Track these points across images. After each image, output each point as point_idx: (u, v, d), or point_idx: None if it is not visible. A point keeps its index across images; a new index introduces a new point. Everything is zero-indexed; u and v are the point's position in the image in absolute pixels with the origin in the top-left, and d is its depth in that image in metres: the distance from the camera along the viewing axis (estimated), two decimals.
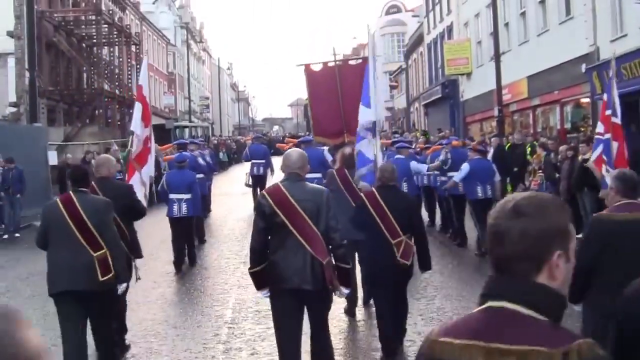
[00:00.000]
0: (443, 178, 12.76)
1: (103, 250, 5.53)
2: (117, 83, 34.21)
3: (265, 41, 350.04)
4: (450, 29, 32.34)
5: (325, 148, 13.83)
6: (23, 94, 24.06)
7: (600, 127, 9.07)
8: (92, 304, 5.54)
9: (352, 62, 15.58)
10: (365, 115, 8.01)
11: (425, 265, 6.62)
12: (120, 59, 35.14)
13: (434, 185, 13.66)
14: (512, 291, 1.57)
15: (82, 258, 5.45)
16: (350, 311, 7.78)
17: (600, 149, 8.83)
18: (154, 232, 13.36)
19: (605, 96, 8.96)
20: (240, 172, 26.61)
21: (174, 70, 54.22)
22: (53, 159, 19.96)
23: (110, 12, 33.44)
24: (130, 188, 7.18)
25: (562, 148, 13.50)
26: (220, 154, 35.05)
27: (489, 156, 17.79)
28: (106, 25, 32.48)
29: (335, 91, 12.76)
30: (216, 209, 17.97)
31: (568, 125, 19.73)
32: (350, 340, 7.20)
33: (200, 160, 14.89)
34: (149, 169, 8.09)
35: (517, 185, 16.98)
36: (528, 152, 16.71)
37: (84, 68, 32.73)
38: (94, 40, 33.32)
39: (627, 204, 4.64)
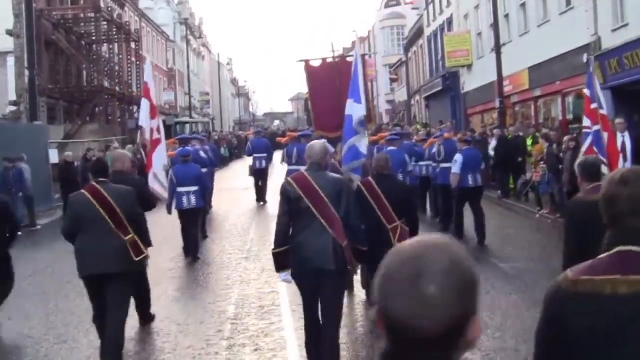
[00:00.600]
0: (440, 167, 13.36)
1: (131, 235, 6.04)
2: (117, 80, 34.15)
3: (264, 35, 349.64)
4: (450, 20, 32.22)
5: (323, 141, 13.87)
6: (23, 92, 24.03)
7: (586, 121, 9.35)
8: (118, 286, 5.95)
9: (350, 59, 15.70)
10: (356, 110, 8.20)
11: None
12: (120, 56, 35.07)
13: (432, 175, 14.14)
14: (634, 238, 2.02)
15: (113, 242, 5.93)
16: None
17: (589, 140, 9.10)
18: (156, 229, 13.19)
19: (587, 91, 9.23)
20: (241, 167, 26.63)
21: (174, 66, 54.15)
22: (54, 157, 19.92)
23: (109, 9, 33.36)
24: (142, 181, 7.73)
25: (565, 139, 13.46)
26: (222, 150, 34.98)
27: (490, 147, 17.86)
28: (105, 22, 32.41)
29: (334, 86, 12.81)
30: (218, 204, 17.93)
31: (570, 116, 19.64)
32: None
33: (202, 154, 15.18)
34: (160, 158, 8.63)
35: (519, 176, 16.96)
36: (529, 143, 16.66)
37: (84, 65, 32.66)
38: (93, 38, 33.27)
39: (597, 187, 4.80)
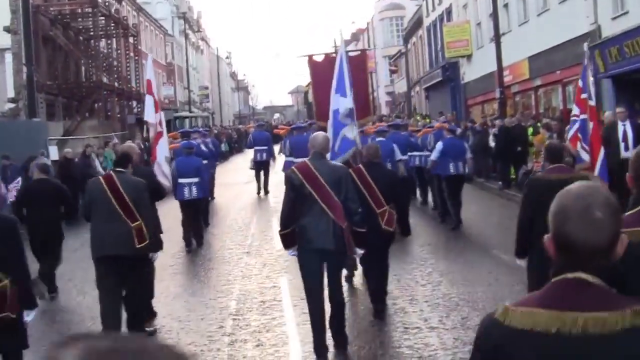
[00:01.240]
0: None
1: (138, 222, 6.45)
2: (115, 75, 34.02)
3: (263, 29, 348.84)
4: (449, 11, 32.08)
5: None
6: (21, 89, 23.92)
7: (575, 110, 9.77)
8: (128, 269, 6.47)
9: (351, 54, 16.71)
10: (342, 104, 8.47)
11: (405, 231, 7.69)
12: (118, 51, 34.91)
13: (424, 165, 14.40)
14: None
15: (122, 228, 6.40)
16: (349, 278, 8.67)
17: (575, 127, 9.46)
18: None
19: (580, 82, 9.60)
20: (242, 161, 26.58)
21: (173, 60, 53.98)
22: (53, 154, 19.84)
23: (107, 3, 33.20)
24: (152, 172, 8.27)
25: (567, 129, 13.37)
26: (223, 146, 34.88)
27: (490, 138, 17.82)
28: (103, 18, 32.26)
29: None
30: (218, 199, 17.90)
31: (571, 106, 19.55)
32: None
33: (203, 147, 15.67)
34: (162, 150, 9.20)
35: (520, 166, 16.89)
36: (530, 133, 16.59)
37: (82, 61, 32.53)
38: (91, 33, 33.09)
39: (557, 167, 5.90)
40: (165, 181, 9.19)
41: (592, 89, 9.50)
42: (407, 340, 6.57)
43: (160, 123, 9.57)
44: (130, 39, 36.28)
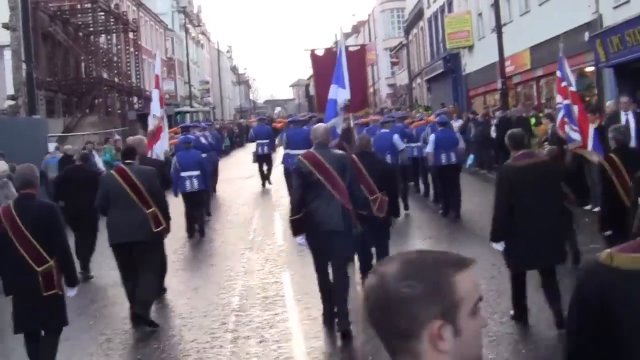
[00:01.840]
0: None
1: (152, 209, 7.01)
2: (115, 71, 33.94)
3: (263, 22, 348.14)
4: (450, 2, 31.91)
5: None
6: (21, 86, 23.84)
7: (559, 98, 10.36)
8: (144, 253, 7.00)
9: (351, 49, 17.57)
10: (340, 95, 8.71)
11: (395, 213, 8.25)
12: (118, 47, 34.82)
13: (418, 156, 14.68)
14: None
15: (138, 215, 6.96)
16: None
17: (562, 113, 9.90)
18: None
19: (559, 73, 10.11)
20: (244, 155, 26.50)
21: (173, 55, 53.82)
22: (53, 151, 19.78)
23: None
24: (161, 162, 8.77)
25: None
26: (225, 140, 34.81)
27: (492, 129, 17.73)
28: (102, 13, 32.17)
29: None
30: (220, 194, 17.86)
31: None
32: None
33: (203, 140, 16.09)
34: (162, 144, 9.45)
35: None
36: (533, 123, 16.50)
37: (82, 57, 32.44)
38: (91, 29, 33.02)
39: (524, 154, 6.25)
40: None
41: (572, 77, 10.13)
42: None
43: (162, 118, 9.83)
44: (130, 34, 36.19)
